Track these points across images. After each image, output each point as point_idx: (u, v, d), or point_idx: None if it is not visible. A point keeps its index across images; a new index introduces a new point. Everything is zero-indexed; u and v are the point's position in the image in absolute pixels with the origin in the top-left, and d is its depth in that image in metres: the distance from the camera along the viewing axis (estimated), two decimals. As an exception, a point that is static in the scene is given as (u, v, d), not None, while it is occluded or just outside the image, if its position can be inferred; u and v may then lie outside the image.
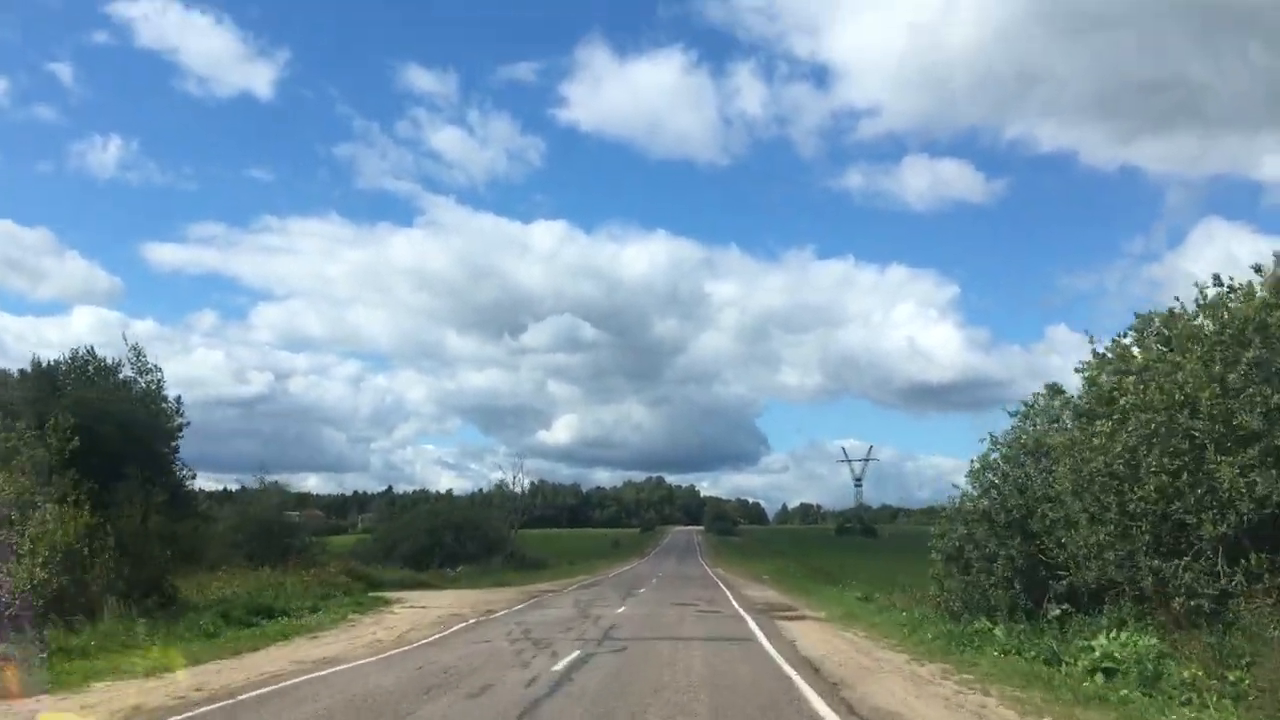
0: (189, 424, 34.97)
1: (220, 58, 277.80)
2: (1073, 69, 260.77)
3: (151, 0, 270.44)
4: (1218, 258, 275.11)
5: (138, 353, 33.26)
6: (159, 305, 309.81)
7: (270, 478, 43.98)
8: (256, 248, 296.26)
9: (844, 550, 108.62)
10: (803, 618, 25.97)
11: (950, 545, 20.25)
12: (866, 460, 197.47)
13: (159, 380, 33.65)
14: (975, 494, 20.00)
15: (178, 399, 34.55)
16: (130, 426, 28.66)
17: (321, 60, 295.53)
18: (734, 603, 31.53)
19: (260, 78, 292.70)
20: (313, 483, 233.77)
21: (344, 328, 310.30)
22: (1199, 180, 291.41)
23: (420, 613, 26.47)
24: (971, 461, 20.39)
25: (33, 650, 13.71)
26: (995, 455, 19.91)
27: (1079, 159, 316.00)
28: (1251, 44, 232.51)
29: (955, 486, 21.08)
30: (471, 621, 23.68)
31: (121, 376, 32.82)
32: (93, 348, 33.26)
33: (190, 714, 10.69)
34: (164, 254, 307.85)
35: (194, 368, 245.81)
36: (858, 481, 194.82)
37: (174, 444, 33.67)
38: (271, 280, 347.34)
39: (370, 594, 31.76)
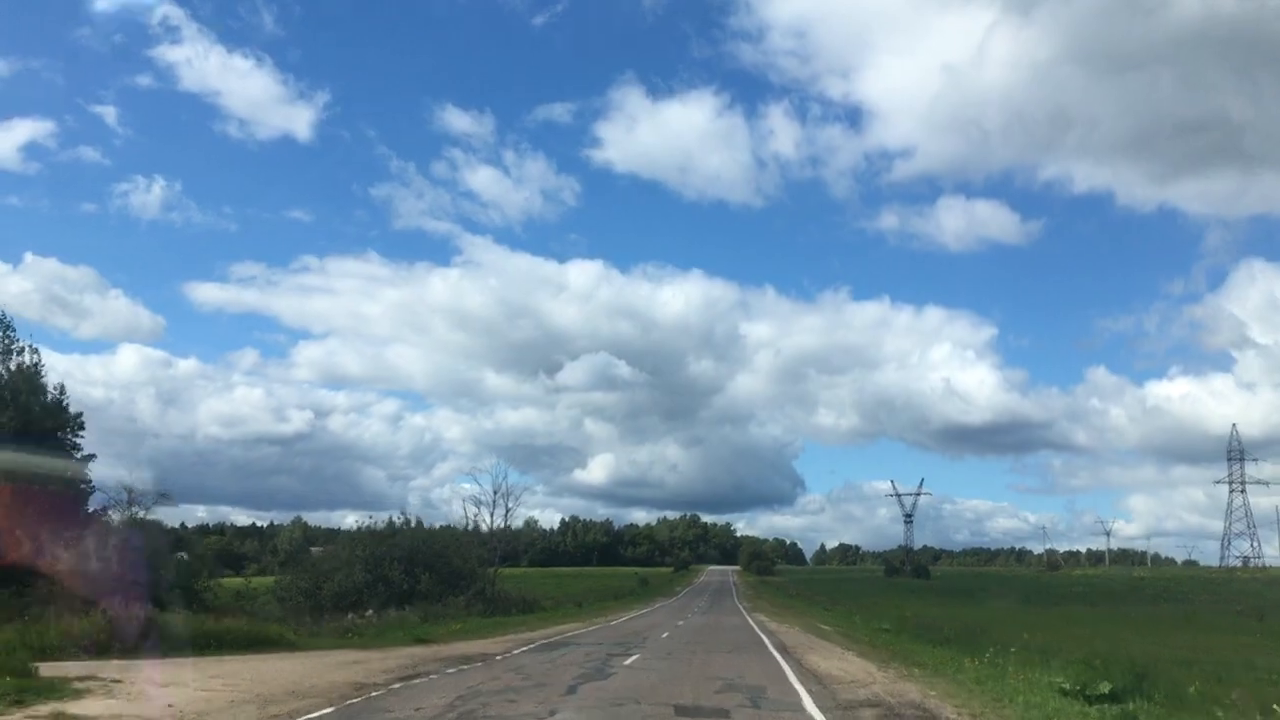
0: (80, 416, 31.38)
1: (261, 100, 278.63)
2: (1108, 108, 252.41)
3: (194, 44, 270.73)
4: (1260, 299, 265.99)
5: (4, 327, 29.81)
6: (201, 344, 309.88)
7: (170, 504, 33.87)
8: (296, 287, 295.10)
9: (906, 594, 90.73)
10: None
11: None
12: (918, 494, 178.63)
13: (36, 364, 30.38)
14: None
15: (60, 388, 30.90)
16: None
17: (360, 102, 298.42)
18: (811, 703, 14.69)
19: (300, 120, 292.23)
20: (350, 520, 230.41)
21: (382, 366, 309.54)
22: (1239, 220, 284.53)
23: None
24: None
25: None
26: None
27: (1116, 199, 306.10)
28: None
29: None
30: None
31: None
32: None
33: None
34: (205, 293, 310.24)
35: (235, 406, 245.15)
36: (908, 518, 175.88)
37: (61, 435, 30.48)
38: (310, 319, 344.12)
39: (52, 674, 15.29)
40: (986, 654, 21.61)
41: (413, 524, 45.21)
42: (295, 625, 28.99)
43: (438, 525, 49.74)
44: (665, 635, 32.12)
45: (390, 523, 44.96)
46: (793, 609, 61.89)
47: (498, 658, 21.73)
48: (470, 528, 50.35)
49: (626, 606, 64.97)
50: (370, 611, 37.61)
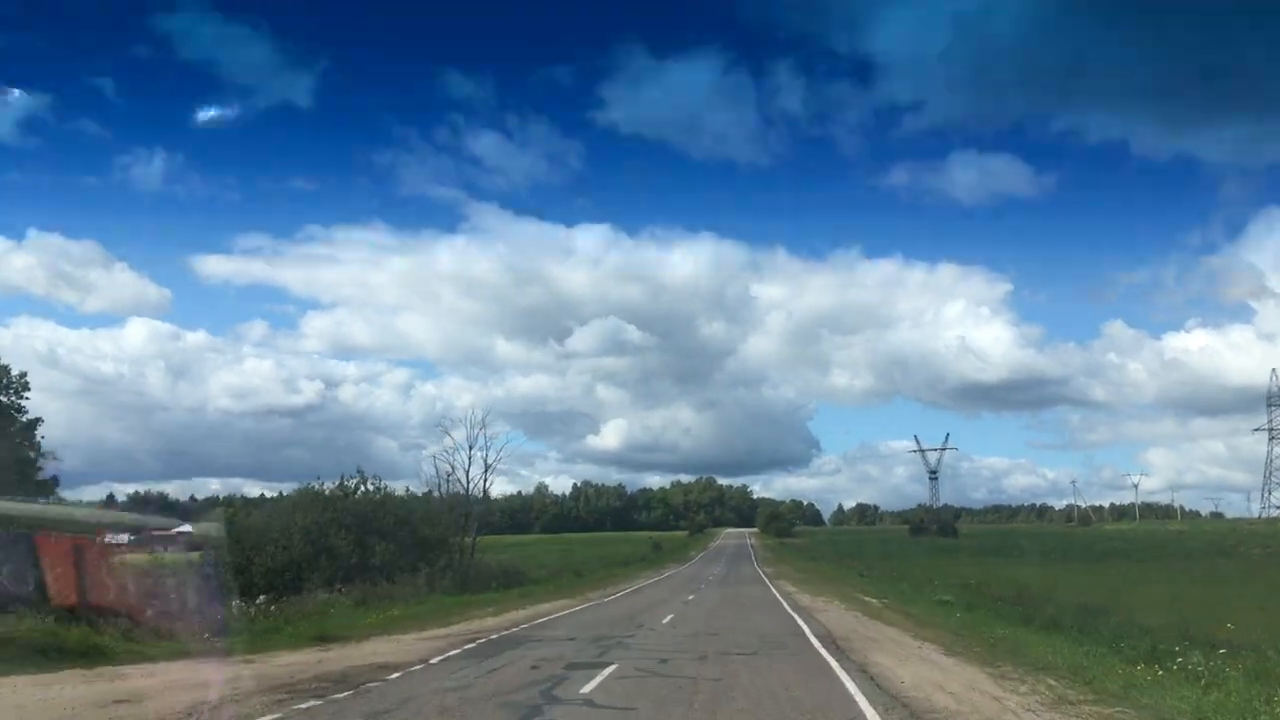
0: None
1: (259, 67, 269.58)
2: (1122, 56, 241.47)
3: (189, 11, 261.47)
4: (1279, 247, 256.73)
5: None
6: (209, 316, 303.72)
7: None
8: (302, 257, 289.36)
9: (941, 555, 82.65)
10: None
11: None
12: (943, 449, 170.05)
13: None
14: None
15: None
16: None
17: (359, 68, 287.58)
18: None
19: (299, 86, 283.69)
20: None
21: (392, 335, 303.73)
22: (1257, 168, 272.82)
23: None
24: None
25: None
26: None
27: (1130, 149, 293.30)
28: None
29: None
30: None
31: None
32: None
33: None
34: (212, 265, 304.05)
35: (245, 378, 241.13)
36: (933, 474, 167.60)
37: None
38: (318, 289, 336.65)
39: None
40: (1170, 656, 13.34)
41: (370, 485, 37.17)
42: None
43: (407, 490, 41.50)
44: (667, 620, 23.99)
45: (342, 484, 36.91)
46: (823, 575, 53.78)
47: (393, 676, 13.58)
48: (443, 490, 42.31)
49: (632, 576, 57.00)
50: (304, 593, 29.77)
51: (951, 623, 22.48)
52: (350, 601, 27.44)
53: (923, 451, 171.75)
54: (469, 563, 40.10)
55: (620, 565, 74.14)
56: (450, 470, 42.76)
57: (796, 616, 25.03)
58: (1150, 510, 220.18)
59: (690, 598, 34.83)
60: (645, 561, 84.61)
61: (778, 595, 36.16)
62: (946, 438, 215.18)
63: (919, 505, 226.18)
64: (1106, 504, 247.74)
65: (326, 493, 36.41)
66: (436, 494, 41.95)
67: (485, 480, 43.87)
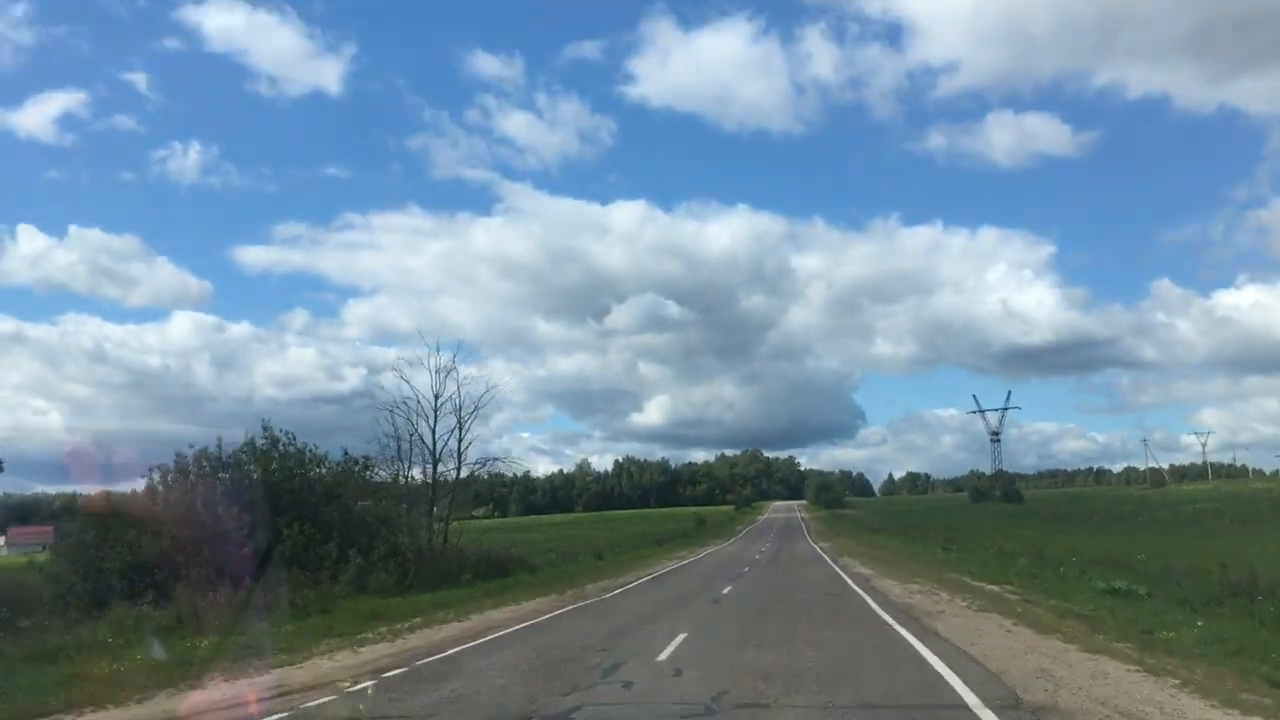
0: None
1: (288, 56, 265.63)
2: (1161, 6, 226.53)
3: (217, 2, 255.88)
4: None
5: None
6: (251, 307, 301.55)
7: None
8: (340, 245, 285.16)
9: (1015, 523, 71.32)
10: None
11: None
12: (1005, 409, 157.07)
13: None
14: None
15: None
16: None
17: (387, 52, 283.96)
18: None
19: (328, 73, 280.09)
20: (415, 473, 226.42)
21: (432, 319, 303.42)
22: None
23: None
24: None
25: None
26: None
27: (1172, 103, 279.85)
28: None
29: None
30: None
31: None
32: None
33: None
34: (251, 256, 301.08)
35: (289, 366, 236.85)
36: (995, 436, 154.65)
37: None
38: (358, 276, 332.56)
39: None
40: None
41: (283, 446, 26.59)
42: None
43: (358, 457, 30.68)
44: (673, 647, 13.14)
45: (250, 444, 26.41)
46: (896, 551, 42.65)
47: None
48: (405, 456, 31.69)
49: (661, 558, 46.32)
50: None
51: (1215, 648, 11.46)
52: (171, 619, 17.04)
53: (983, 412, 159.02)
54: (430, 550, 29.65)
55: (654, 544, 63.60)
56: (413, 430, 32.21)
57: (903, 631, 14.09)
58: (1218, 470, 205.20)
59: (726, 590, 24.05)
60: (684, 539, 73.97)
61: (850, 582, 25.21)
62: (1008, 396, 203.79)
63: (971, 472, 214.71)
64: (1167, 466, 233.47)
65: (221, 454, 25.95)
66: (393, 459, 31.37)
67: (460, 443, 33.22)
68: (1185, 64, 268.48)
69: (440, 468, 33.31)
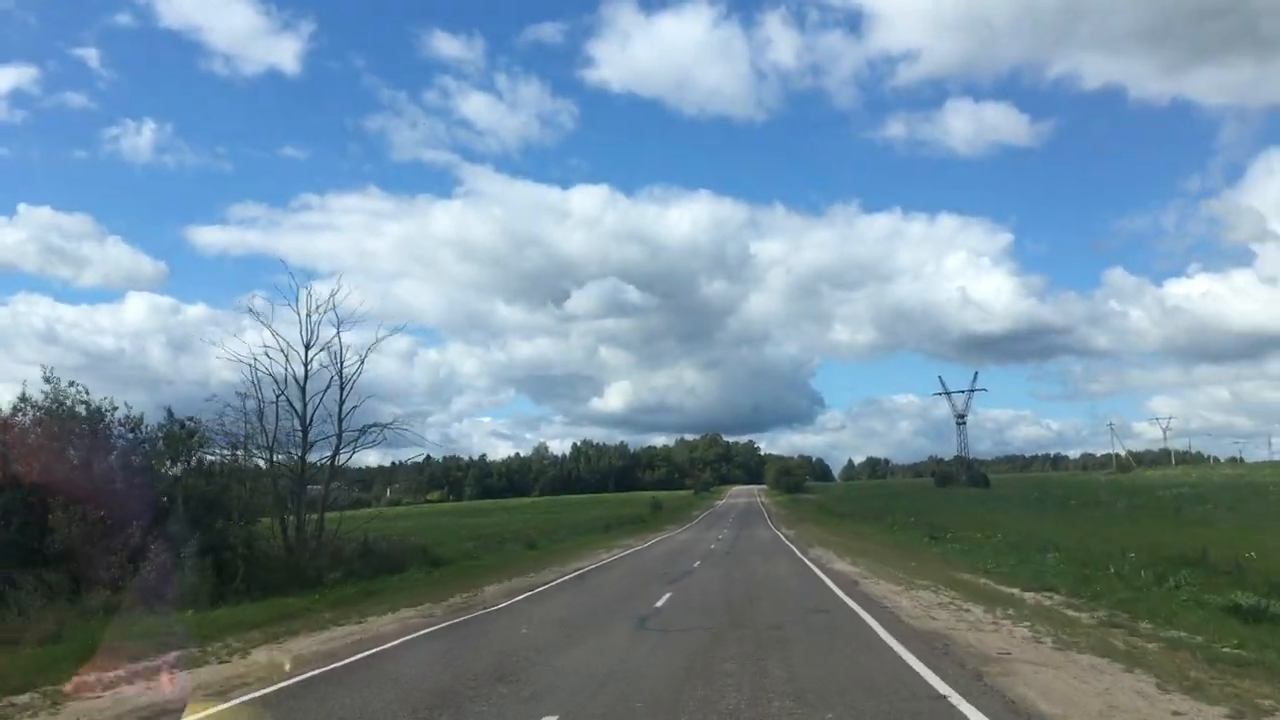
0: None
1: (244, 34, 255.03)
2: None
3: None
4: None
5: None
6: (207, 289, 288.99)
7: None
8: (298, 226, 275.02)
9: (991, 509, 65.56)
10: None
11: None
12: (972, 390, 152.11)
13: None
14: None
15: None
16: None
17: (345, 31, 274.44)
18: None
19: (285, 52, 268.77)
20: (372, 458, 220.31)
21: (392, 302, 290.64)
22: (1257, 110, 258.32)
23: None
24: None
25: None
26: None
27: (1128, 94, 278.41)
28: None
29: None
30: None
31: None
32: None
33: None
34: (207, 236, 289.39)
35: (248, 350, 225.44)
36: (960, 419, 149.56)
37: None
38: (316, 258, 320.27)
39: None
40: None
41: (59, 403, 19.23)
42: None
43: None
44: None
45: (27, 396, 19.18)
46: (872, 540, 36.24)
47: None
48: (249, 420, 24.40)
49: (603, 547, 39.60)
50: None
51: None
52: None
53: (949, 394, 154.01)
54: (292, 543, 22.67)
55: (601, 531, 57.00)
56: (281, 391, 25.00)
57: (964, 705, 7.40)
58: (1180, 457, 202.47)
59: (663, 599, 17.32)
60: (636, 524, 67.48)
61: (832, 586, 18.54)
62: (975, 377, 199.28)
63: (930, 457, 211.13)
64: (1124, 452, 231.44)
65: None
66: (250, 430, 24.11)
67: (341, 408, 26.03)
68: (1141, 55, 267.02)
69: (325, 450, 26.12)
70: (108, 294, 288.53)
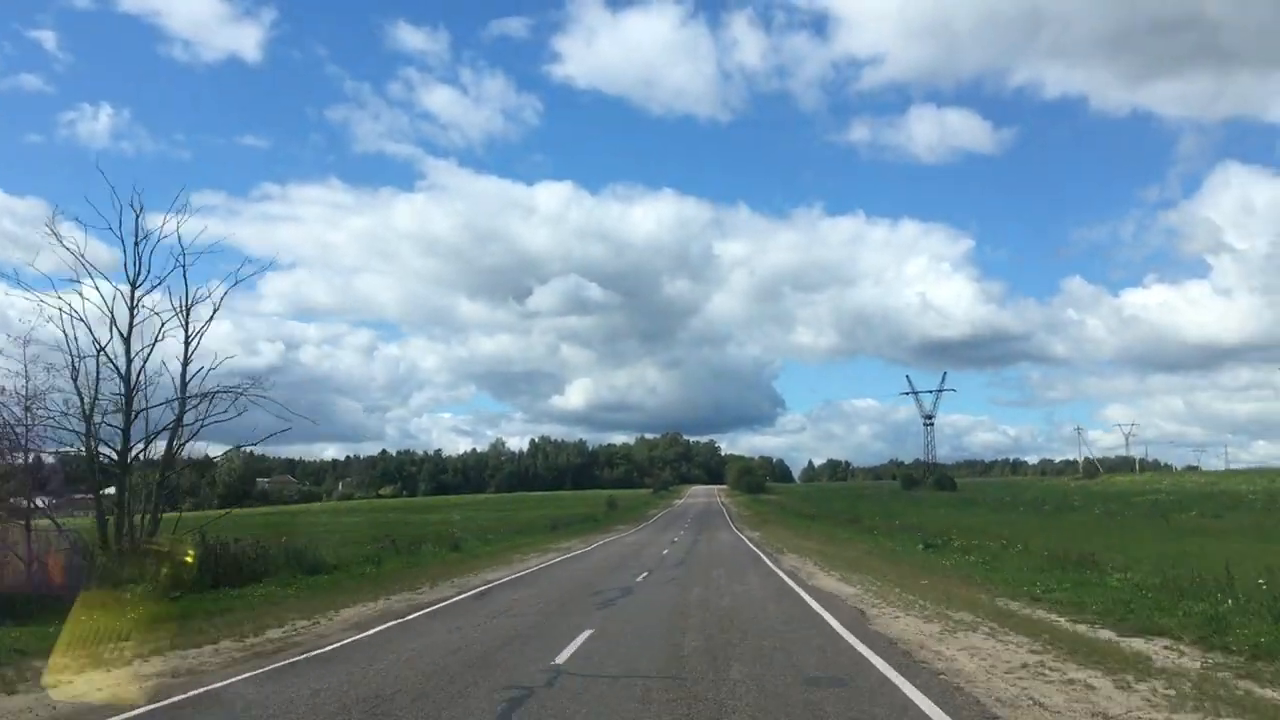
0: None
1: (204, 19, 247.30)
2: (1080, 7, 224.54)
3: None
4: (1236, 203, 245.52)
5: None
6: (164, 277, 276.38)
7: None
8: (259, 216, 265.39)
9: (963, 513, 60.55)
10: None
11: None
12: (940, 391, 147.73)
13: None
14: None
15: None
16: None
17: (307, 20, 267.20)
18: None
19: (247, 39, 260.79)
20: (331, 452, 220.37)
21: (353, 296, 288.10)
22: (1214, 123, 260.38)
23: None
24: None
25: None
26: None
27: (1088, 104, 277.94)
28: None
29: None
30: None
31: None
32: None
33: None
34: (163, 225, 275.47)
35: (204, 340, 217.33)
36: (928, 420, 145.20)
37: None
38: (276, 249, 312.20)
39: None
40: None
41: None
42: None
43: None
44: None
45: None
46: (857, 549, 30.41)
47: None
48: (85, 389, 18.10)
49: (538, 550, 33.51)
50: None
51: None
52: None
53: (916, 394, 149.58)
54: (93, 551, 16.47)
55: (547, 530, 51.01)
56: (100, 347, 18.68)
57: None
58: (1143, 465, 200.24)
59: (574, 645, 11.26)
60: (588, 523, 61.56)
61: (830, 619, 12.56)
62: (944, 378, 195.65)
63: (890, 461, 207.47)
64: (1079, 458, 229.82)
65: None
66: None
67: (183, 378, 19.75)
68: (1101, 65, 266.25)
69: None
70: (62, 281, 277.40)
